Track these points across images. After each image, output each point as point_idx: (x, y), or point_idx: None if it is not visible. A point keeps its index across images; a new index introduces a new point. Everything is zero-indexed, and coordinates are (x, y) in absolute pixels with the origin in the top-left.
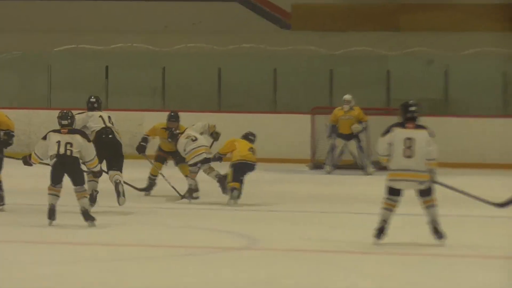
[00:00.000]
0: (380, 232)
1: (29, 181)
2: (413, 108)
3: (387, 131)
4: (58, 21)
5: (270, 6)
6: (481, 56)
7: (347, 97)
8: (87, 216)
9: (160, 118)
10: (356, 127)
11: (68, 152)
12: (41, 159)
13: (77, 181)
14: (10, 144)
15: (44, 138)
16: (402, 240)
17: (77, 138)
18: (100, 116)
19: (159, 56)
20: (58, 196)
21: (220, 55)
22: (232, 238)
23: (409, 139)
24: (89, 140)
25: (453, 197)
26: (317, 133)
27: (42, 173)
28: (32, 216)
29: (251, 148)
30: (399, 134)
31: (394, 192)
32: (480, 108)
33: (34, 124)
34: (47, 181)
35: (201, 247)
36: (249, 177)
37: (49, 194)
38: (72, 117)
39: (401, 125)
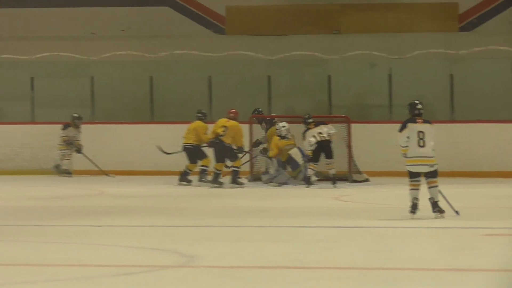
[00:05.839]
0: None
1: None
2: (419, 106)
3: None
4: None
5: (203, 9)
6: (426, 58)
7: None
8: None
9: (88, 130)
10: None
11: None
12: None
13: None
14: None
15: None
16: (343, 253)
17: None
18: None
19: (87, 65)
20: None
21: (151, 63)
22: (167, 256)
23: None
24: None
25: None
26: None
27: None
28: None
29: None
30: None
31: (414, 175)
32: (426, 113)
33: None
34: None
35: (134, 266)
36: (185, 192)
37: None
38: None
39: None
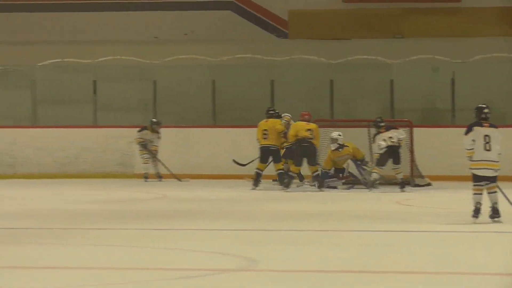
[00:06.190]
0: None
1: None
2: (486, 110)
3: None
4: (42, 33)
5: (265, 13)
6: (489, 62)
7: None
8: None
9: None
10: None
11: None
12: None
13: None
14: None
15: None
16: (406, 258)
17: None
18: None
19: (150, 68)
20: None
21: (214, 67)
22: (229, 259)
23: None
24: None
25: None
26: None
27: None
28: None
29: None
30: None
31: (478, 179)
32: (490, 118)
33: (18, 143)
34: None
35: (196, 269)
36: (248, 196)
37: None
38: None
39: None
